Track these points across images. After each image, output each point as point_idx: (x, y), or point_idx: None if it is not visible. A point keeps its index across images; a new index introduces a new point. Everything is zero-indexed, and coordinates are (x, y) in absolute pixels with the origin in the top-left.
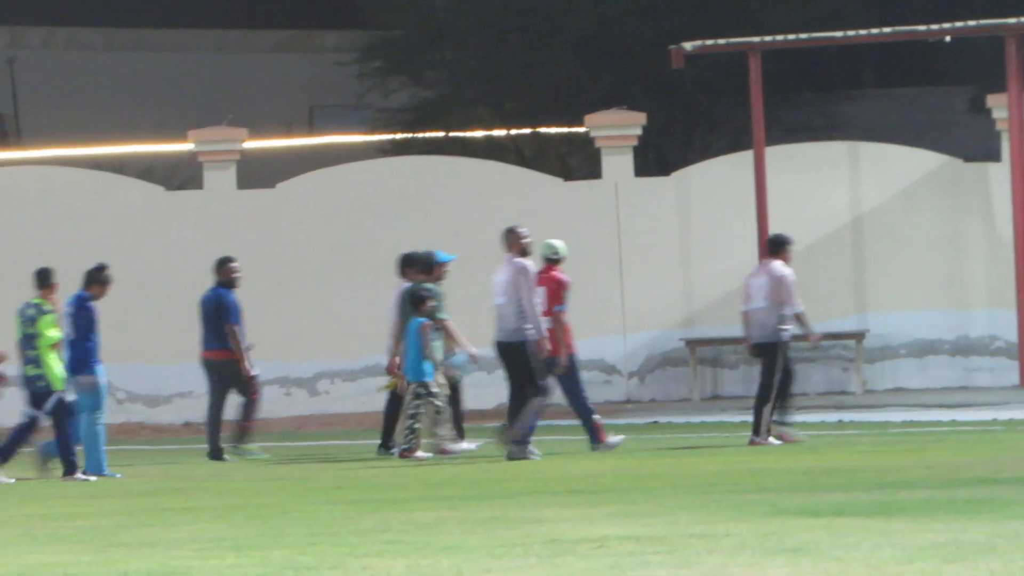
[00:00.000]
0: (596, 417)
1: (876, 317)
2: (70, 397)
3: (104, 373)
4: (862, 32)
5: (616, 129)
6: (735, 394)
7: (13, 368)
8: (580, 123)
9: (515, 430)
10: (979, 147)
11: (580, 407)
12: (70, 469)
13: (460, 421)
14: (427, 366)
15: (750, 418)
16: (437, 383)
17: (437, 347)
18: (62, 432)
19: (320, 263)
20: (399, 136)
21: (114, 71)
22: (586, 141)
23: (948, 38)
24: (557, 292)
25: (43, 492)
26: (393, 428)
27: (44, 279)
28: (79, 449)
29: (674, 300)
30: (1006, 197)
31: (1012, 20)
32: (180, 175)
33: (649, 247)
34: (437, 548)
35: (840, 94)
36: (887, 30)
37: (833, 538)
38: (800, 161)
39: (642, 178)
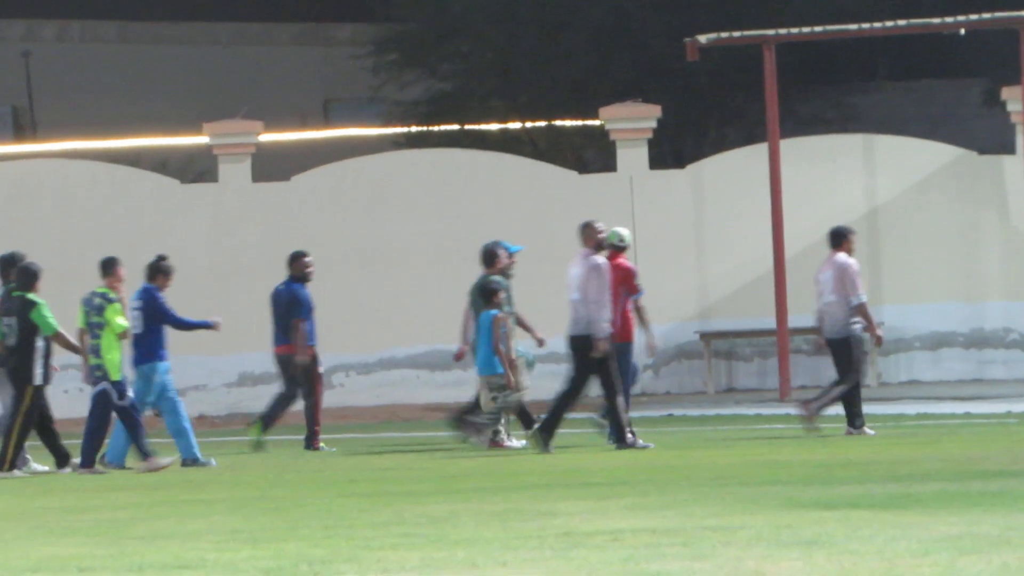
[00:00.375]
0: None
1: (890, 309)
2: (129, 392)
3: (169, 367)
4: (876, 25)
5: (631, 122)
6: (750, 387)
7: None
8: (595, 116)
9: (619, 430)
10: (994, 140)
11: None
12: (87, 461)
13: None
14: (496, 359)
15: (764, 411)
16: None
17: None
18: (96, 422)
19: (335, 256)
20: (414, 129)
21: (128, 64)
22: (601, 134)
23: (963, 31)
24: (625, 280)
25: (58, 485)
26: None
27: (108, 268)
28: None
29: (689, 293)
30: (1020, 190)
31: None
32: (195, 168)
33: (664, 240)
34: (452, 541)
35: (854, 87)
36: (902, 23)
37: (847, 530)
38: (815, 154)
39: (657, 171)
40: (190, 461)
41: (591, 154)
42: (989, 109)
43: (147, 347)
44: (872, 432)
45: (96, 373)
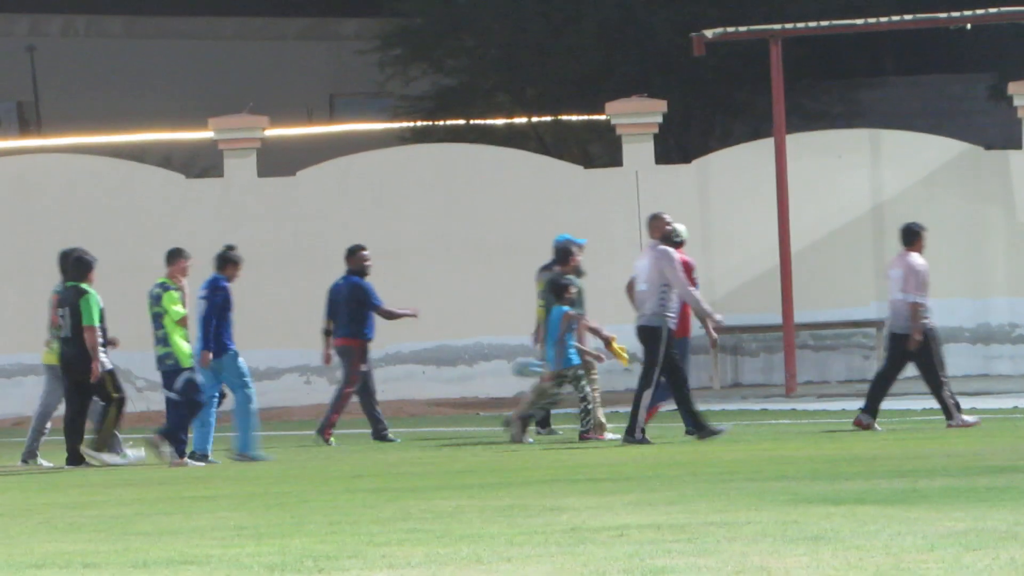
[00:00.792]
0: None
1: None
2: (199, 377)
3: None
4: (883, 19)
5: (637, 117)
6: (755, 382)
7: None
8: (601, 111)
9: (634, 420)
10: (1000, 135)
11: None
12: (179, 453)
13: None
14: (573, 352)
15: (770, 406)
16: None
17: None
18: (185, 412)
19: (340, 251)
20: (420, 124)
21: (133, 59)
22: (607, 129)
23: (969, 25)
24: (685, 274)
25: (63, 481)
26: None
27: (171, 258)
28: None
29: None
30: None
31: None
32: (200, 163)
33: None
34: (457, 536)
35: (861, 81)
36: (908, 17)
37: (854, 526)
38: (821, 149)
39: (663, 166)
40: (200, 455)
41: (597, 149)
42: (996, 104)
43: (221, 336)
44: (974, 419)
45: (167, 362)
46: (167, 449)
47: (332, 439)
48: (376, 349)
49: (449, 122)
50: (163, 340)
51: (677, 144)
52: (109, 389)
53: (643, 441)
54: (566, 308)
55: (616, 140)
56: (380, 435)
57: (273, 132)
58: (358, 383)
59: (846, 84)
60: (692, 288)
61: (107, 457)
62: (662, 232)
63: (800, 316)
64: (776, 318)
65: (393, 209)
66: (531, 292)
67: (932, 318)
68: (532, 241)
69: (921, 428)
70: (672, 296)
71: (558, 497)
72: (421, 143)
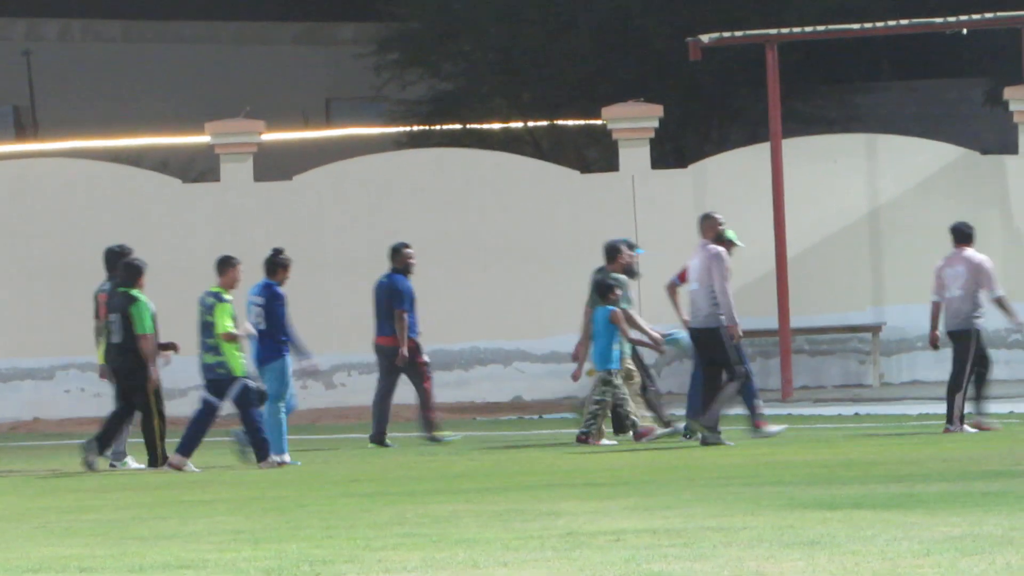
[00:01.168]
0: (757, 402)
1: (893, 310)
2: (254, 383)
3: (291, 363)
4: (879, 24)
5: (633, 121)
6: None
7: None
8: (597, 115)
9: (708, 416)
10: (996, 139)
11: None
12: (263, 455)
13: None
14: (615, 354)
15: (766, 411)
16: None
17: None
18: (250, 418)
19: (337, 255)
20: (416, 128)
21: (130, 63)
22: (603, 133)
23: (965, 30)
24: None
25: (60, 485)
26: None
27: (223, 267)
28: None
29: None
30: (1023, 189)
31: None
32: (197, 167)
33: (666, 239)
34: (453, 541)
35: (857, 86)
36: (904, 22)
37: (850, 531)
38: (817, 153)
39: (659, 170)
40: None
41: (593, 153)
42: (992, 109)
43: (273, 344)
44: (973, 431)
45: (219, 371)
46: (276, 459)
47: (447, 433)
48: (369, 354)
49: (446, 126)
50: (214, 349)
51: (673, 149)
52: (151, 400)
53: (718, 442)
54: (612, 308)
55: (612, 145)
56: (378, 439)
57: (270, 136)
58: (430, 372)
59: (842, 89)
60: (728, 294)
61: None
62: (715, 232)
63: (796, 321)
64: (772, 322)
65: (390, 213)
66: (526, 295)
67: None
68: (529, 246)
69: (917, 433)
70: (727, 292)
71: (555, 501)
72: (418, 147)
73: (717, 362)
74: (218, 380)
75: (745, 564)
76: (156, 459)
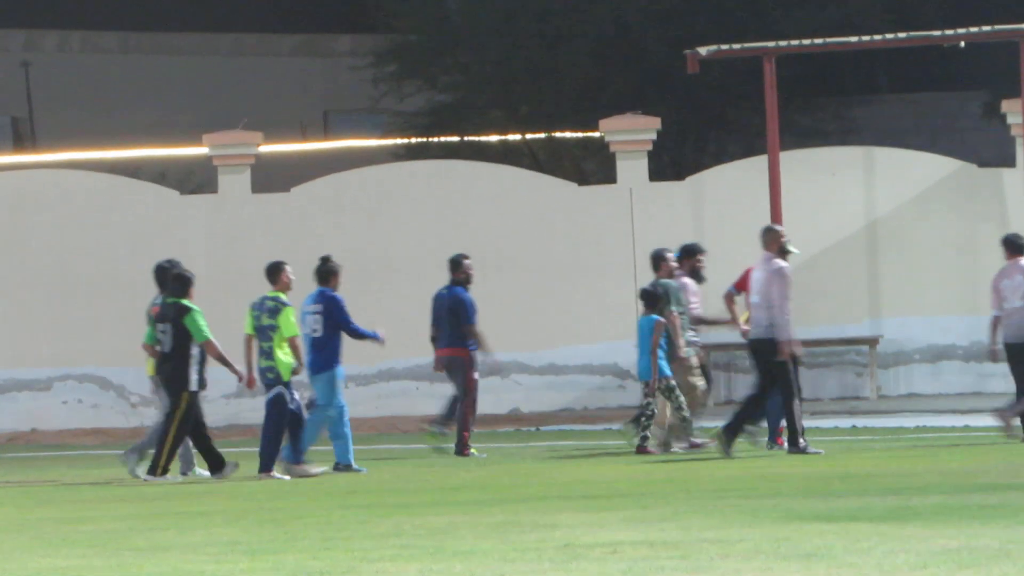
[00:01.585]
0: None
1: (890, 322)
2: (289, 395)
3: (343, 372)
4: (877, 37)
5: (631, 134)
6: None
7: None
8: (595, 128)
9: (793, 434)
10: (993, 152)
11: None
12: (267, 466)
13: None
14: (664, 362)
15: (764, 423)
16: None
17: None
18: (273, 426)
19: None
20: (414, 140)
21: (129, 75)
22: (601, 146)
23: (963, 43)
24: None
25: (57, 496)
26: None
27: (274, 273)
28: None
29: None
30: (1020, 202)
31: None
32: (195, 179)
33: None
34: (450, 553)
35: (855, 99)
36: (902, 35)
37: (847, 543)
38: (815, 166)
39: (657, 183)
40: (343, 466)
41: (591, 166)
42: (989, 122)
43: (329, 352)
44: None
45: (268, 376)
46: (312, 469)
47: (473, 451)
48: (368, 365)
49: (443, 139)
50: (268, 353)
51: (671, 161)
52: (180, 410)
53: (806, 450)
54: (656, 317)
55: (610, 157)
56: (462, 451)
57: (267, 148)
58: (476, 390)
59: (840, 101)
60: (787, 310)
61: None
62: (778, 245)
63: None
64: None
65: (387, 225)
66: (524, 307)
67: None
68: (526, 258)
69: (914, 446)
70: (787, 309)
71: (552, 513)
72: (415, 159)
73: (772, 373)
74: (267, 384)
75: None
76: (156, 467)
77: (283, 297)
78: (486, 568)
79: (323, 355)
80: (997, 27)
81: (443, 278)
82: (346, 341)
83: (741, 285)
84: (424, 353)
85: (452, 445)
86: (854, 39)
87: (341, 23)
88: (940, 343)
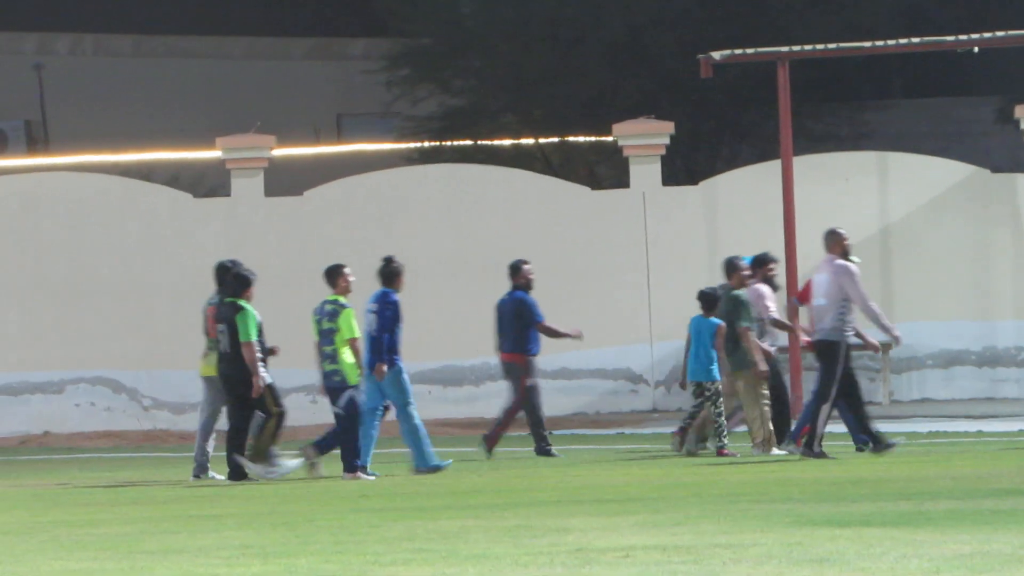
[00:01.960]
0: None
1: (903, 327)
2: (361, 396)
3: (405, 368)
4: (890, 42)
5: (644, 138)
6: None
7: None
8: (608, 132)
9: (811, 437)
10: (1007, 158)
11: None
12: (351, 468)
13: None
14: (715, 366)
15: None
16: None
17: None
18: (347, 429)
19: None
20: (427, 144)
21: (142, 78)
22: (614, 150)
23: (976, 49)
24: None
25: (69, 499)
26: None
27: (333, 276)
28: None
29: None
30: None
31: None
32: (208, 182)
33: (676, 256)
34: (463, 557)
35: (868, 104)
36: (915, 40)
37: (859, 548)
38: (828, 171)
39: (670, 187)
40: (426, 470)
41: (604, 170)
42: (1002, 127)
43: (389, 351)
44: None
45: (335, 379)
46: (319, 462)
47: (494, 450)
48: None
49: (456, 143)
50: (331, 357)
51: (684, 166)
52: (269, 403)
53: (820, 455)
54: (717, 321)
55: (623, 161)
56: (543, 451)
57: (280, 151)
58: (526, 399)
59: (853, 107)
60: (872, 302)
61: (261, 469)
62: (841, 247)
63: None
64: (782, 339)
65: (400, 229)
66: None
67: None
68: (538, 262)
69: (927, 451)
70: (851, 311)
71: (564, 518)
72: (428, 163)
73: (822, 373)
74: (333, 388)
75: None
76: (252, 456)
77: (343, 300)
78: (499, 572)
79: (379, 351)
80: (1011, 33)
81: (455, 282)
82: (404, 338)
83: (803, 296)
84: (436, 357)
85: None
86: (867, 44)
87: (354, 27)
88: (953, 348)
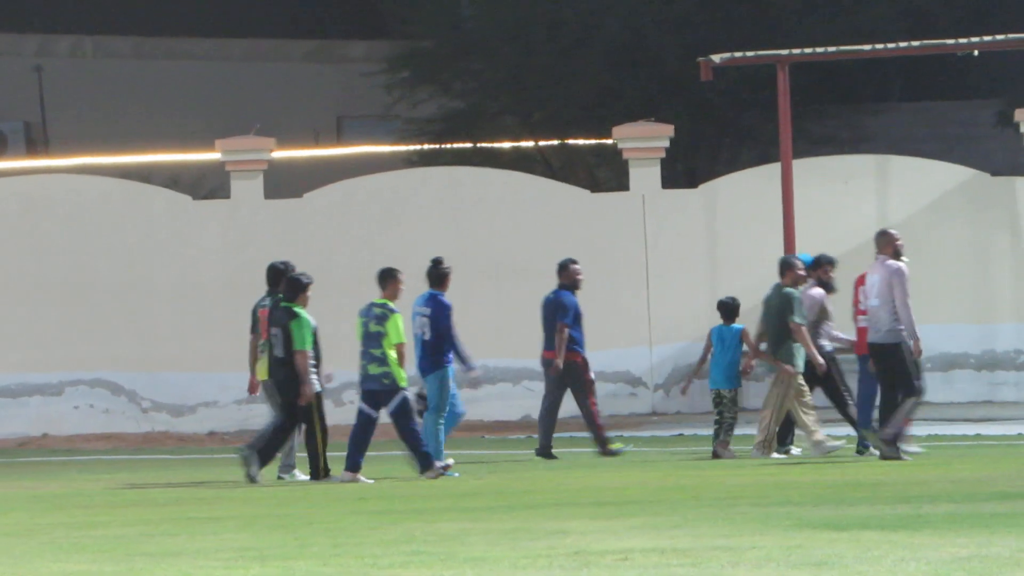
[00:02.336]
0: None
1: None
2: (415, 389)
3: (454, 373)
4: (890, 45)
5: (644, 141)
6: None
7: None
8: (608, 135)
9: (888, 430)
10: (1006, 161)
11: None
12: (427, 465)
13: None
14: (737, 375)
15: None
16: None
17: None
18: (409, 432)
19: (347, 273)
20: (427, 147)
21: (141, 80)
22: (614, 153)
23: (976, 52)
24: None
25: (68, 501)
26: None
27: (386, 279)
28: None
29: (700, 313)
30: None
31: None
32: (207, 184)
33: (676, 259)
34: (461, 559)
35: (868, 107)
36: (915, 43)
37: (858, 552)
38: (828, 174)
39: (669, 190)
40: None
41: (604, 173)
42: (1002, 130)
43: (438, 353)
44: None
45: (384, 381)
46: (431, 474)
47: (619, 445)
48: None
49: (456, 145)
50: (380, 360)
51: (684, 169)
52: (314, 413)
53: (895, 455)
54: (741, 327)
55: (623, 164)
56: (544, 452)
57: (280, 154)
58: (594, 391)
59: (853, 109)
60: (910, 309)
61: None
62: (893, 248)
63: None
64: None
65: (400, 231)
66: (536, 314)
67: None
68: (538, 265)
69: (926, 454)
70: (909, 308)
71: (562, 520)
72: (428, 166)
73: (895, 378)
74: (381, 391)
75: None
76: (318, 472)
77: (391, 304)
78: (497, 575)
79: (432, 357)
80: (1011, 36)
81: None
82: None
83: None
84: None
85: (622, 447)
86: (867, 47)
87: (354, 29)
88: (952, 352)
